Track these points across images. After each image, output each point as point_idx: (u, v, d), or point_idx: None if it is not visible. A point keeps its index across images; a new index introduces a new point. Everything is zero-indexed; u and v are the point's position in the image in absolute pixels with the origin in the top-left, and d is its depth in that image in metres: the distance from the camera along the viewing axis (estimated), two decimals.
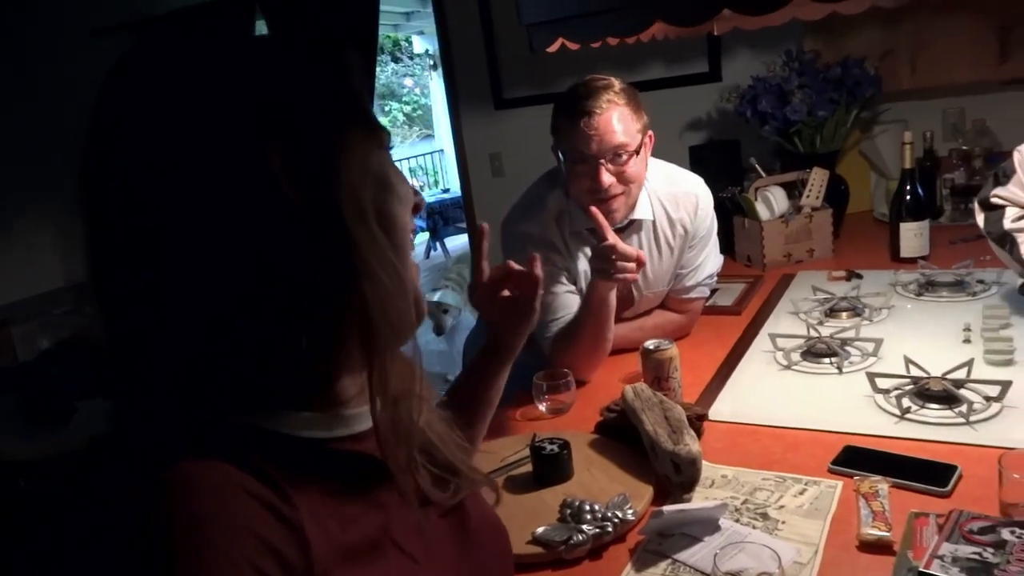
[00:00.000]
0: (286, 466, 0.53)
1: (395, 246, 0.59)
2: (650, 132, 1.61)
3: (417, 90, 13.28)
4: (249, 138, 0.52)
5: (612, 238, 1.47)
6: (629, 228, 1.67)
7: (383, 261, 0.56)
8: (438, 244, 7.91)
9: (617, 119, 1.51)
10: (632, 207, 1.62)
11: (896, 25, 2.51)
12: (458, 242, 7.70)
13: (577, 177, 1.56)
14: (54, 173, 4.29)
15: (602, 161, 1.52)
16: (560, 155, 1.59)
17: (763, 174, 2.31)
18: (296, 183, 0.53)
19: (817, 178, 2.22)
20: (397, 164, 0.63)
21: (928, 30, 2.49)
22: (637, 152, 1.54)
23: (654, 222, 1.68)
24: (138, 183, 0.53)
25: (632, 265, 1.47)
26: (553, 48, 1.53)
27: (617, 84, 1.56)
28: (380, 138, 0.60)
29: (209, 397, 0.54)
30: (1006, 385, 1.28)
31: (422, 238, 7.93)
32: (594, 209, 1.50)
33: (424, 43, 10.68)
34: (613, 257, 1.46)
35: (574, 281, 1.68)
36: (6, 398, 2.41)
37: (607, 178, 1.52)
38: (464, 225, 3.95)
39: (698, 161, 2.56)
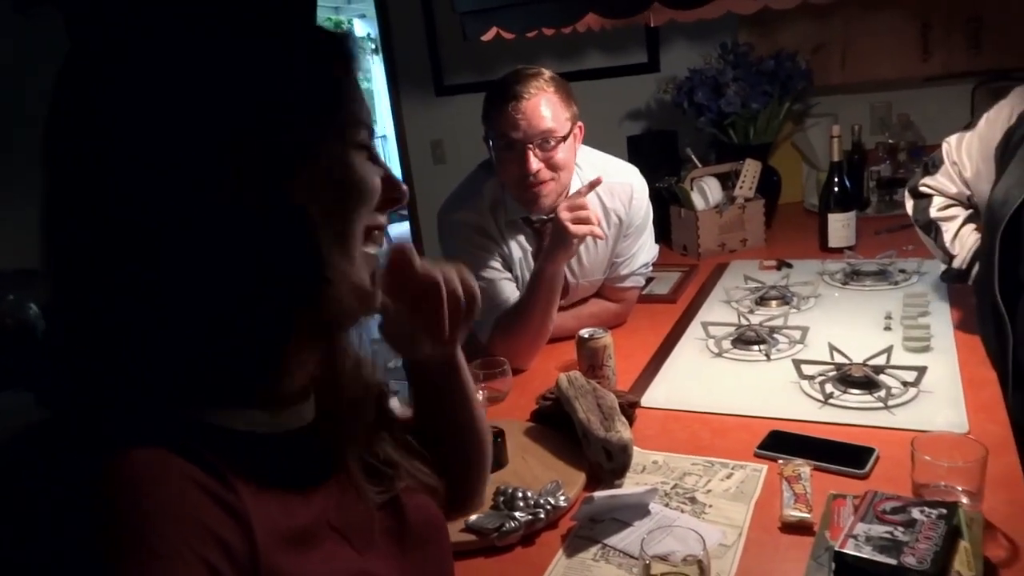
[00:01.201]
0: (229, 457, 0.53)
1: (343, 243, 0.58)
2: (580, 123, 1.62)
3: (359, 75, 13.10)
4: (217, 129, 0.52)
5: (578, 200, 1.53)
6: None
7: (332, 257, 0.56)
8: None
9: (545, 104, 1.53)
10: (562, 195, 1.64)
11: (827, 20, 2.58)
12: (400, 229, 7.61)
13: (506, 164, 1.57)
14: None
15: (530, 146, 1.53)
16: (490, 143, 1.59)
17: (699, 164, 2.35)
18: (258, 178, 0.53)
19: (750, 169, 2.27)
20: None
21: (856, 26, 2.56)
22: (565, 139, 1.56)
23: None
24: (100, 167, 0.52)
25: (594, 215, 1.51)
26: (487, 37, 1.53)
27: (547, 73, 1.57)
28: (353, 136, 0.59)
29: (156, 388, 0.53)
30: (922, 371, 1.34)
31: None
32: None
33: (366, 26, 10.50)
34: (583, 206, 1.50)
35: (509, 269, 1.68)
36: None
37: (535, 163, 1.53)
38: (406, 213, 3.92)
39: (636, 151, 2.60)
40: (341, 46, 0.60)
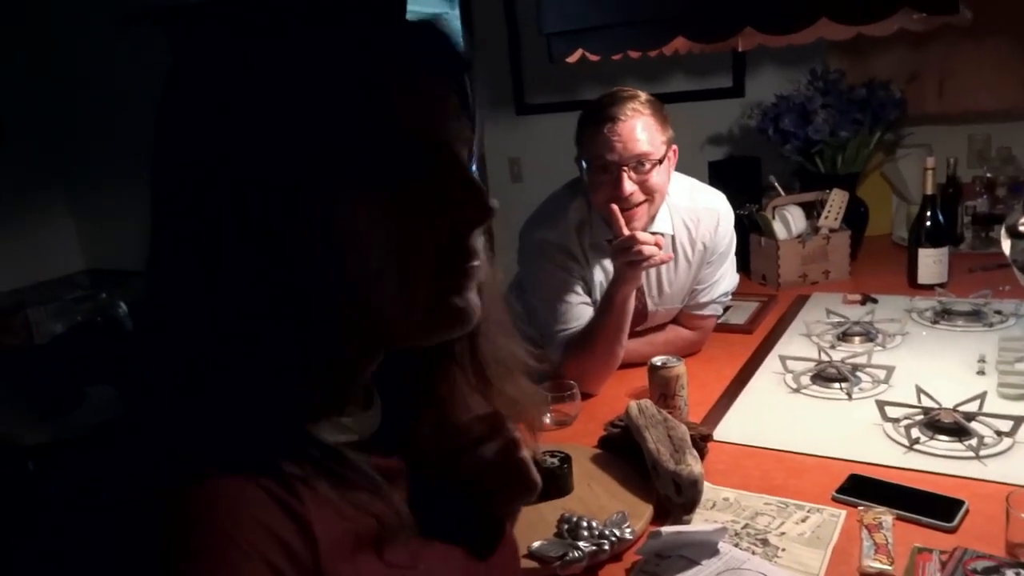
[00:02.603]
0: (295, 463, 0.53)
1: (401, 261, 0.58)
2: (674, 147, 1.60)
3: None
4: (312, 142, 0.53)
5: (627, 231, 1.49)
6: None
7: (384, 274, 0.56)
8: None
9: (642, 128, 1.51)
10: (653, 219, 1.62)
11: (924, 48, 2.48)
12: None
13: (599, 186, 1.56)
14: (73, 160, 4.37)
15: (624, 168, 1.52)
16: (583, 164, 1.59)
17: (782, 192, 2.29)
18: (340, 195, 0.53)
19: (836, 199, 2.20)
20: None
21: (956, 55, 2.46)
22: (660, 162, 1.54)
23: (674, 237, 1.68)
24: (206, 179, 0.53)
25: (654, 248, 1.48)
26: (573, 59, 1.53)
27: (643, 96, 1.56)
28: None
29: (231, 395, 0.54)
30: (1019, 420, 1.26)
31: None
32: (613, 206, 1.51)
33: None
34: (634, 246, 1.47)
35: (589, 292, 1.67)
36: (17, 382, 2.43)
37: (629, 186, 1.52)
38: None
39: (718, 176, 2.54)
40: (447, 58, 0.59)
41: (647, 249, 1.47)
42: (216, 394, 0.54)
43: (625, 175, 1.52)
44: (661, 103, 1.58)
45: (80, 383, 2.36)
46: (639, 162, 1.52)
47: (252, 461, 0.51)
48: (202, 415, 0.53)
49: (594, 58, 1.55)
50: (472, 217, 0.58)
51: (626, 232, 1.49)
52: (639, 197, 1.54)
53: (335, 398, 0.59)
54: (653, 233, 1.64)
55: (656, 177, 1.54)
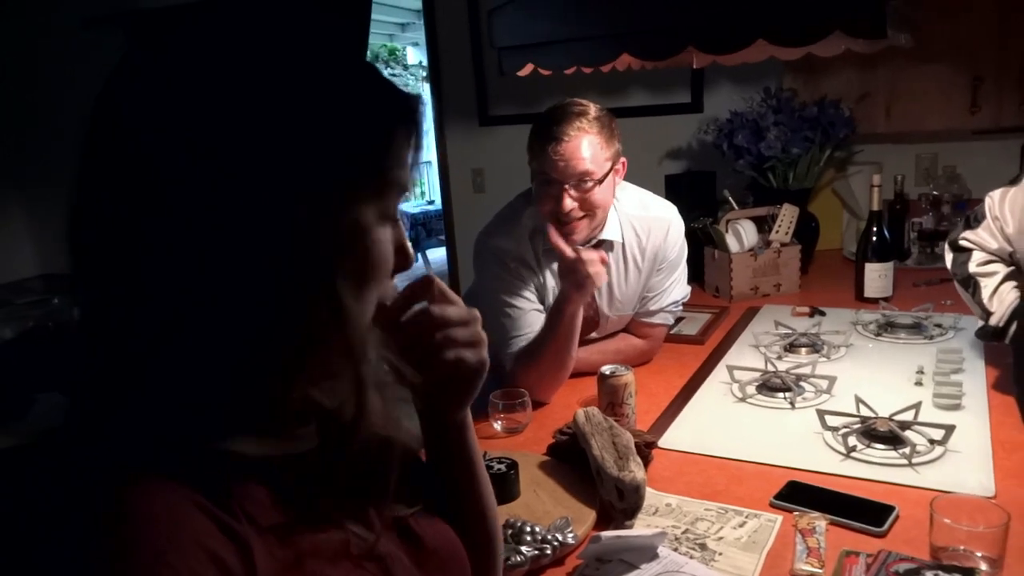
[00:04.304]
0: (231, 481, 0.53)
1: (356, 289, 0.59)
2: (623, 159, 1.63)
3: None
4: (262, 167, 0.53)
5: (571, 251, 1.50)
6: (599, 247, 1.68)
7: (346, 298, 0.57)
8: (419, 255, 7.91)
9: (586, 146, 1.53)
10: (595, 229, 1.64)
11: (872, 70, 2.56)
12: (439, 254, 7.70)
13: (542, 199, 1.59)
14: (28, 162, 4.28)
15: (566, 187, 1.54)
16: (532, 174, 1.61)
17: (736, 207, 2.34)
18: (310, 220, 0.54)
19: (787, 214, 2.26)
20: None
21: (904, 77, 2.54)
22: (602, 181, 1.56)
23: (623, 244, 1.71)
24: (132, 181, 0.53)
25: (600, 267, 1.49)
26: (524, 72, 1.55)
27: (592, 111, 1.57)
28: (387, 202, 0.60)
29: (165, 409, 0.53)
30: (950, 429, 1.30)
31: None
32: (551, 230, 1.53)
33: (418, 54, 10.72)
34: (580, 267, 1.48)
35: (542, 300, 1.69)
36: None
37: (568, 203, 1.55)
38: (443, 239, 3.96)
39: (673, 190, 2.59)
40: (407, 108, 0.60)
41: (592, 269, 1.48)
42: (144, 405, 0.54)
43: (566, 193, 1.54)
44: (611, 117, 1.60)
45: (30, 389, 2.32)
46: (580, 180, 1.54)
47: (184, 477, 0.51)
48: (130, 428, 0.53)
49: (545, 72, 1.58)
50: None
51: (567, 250, 1.50)
52: (579, 213, 1.57)
53: (264, 413, 0.58)
54: (602, 241, 1.67)
55: (598, 194, 1.57)
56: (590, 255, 1.49)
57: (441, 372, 0.71)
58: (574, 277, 1.50)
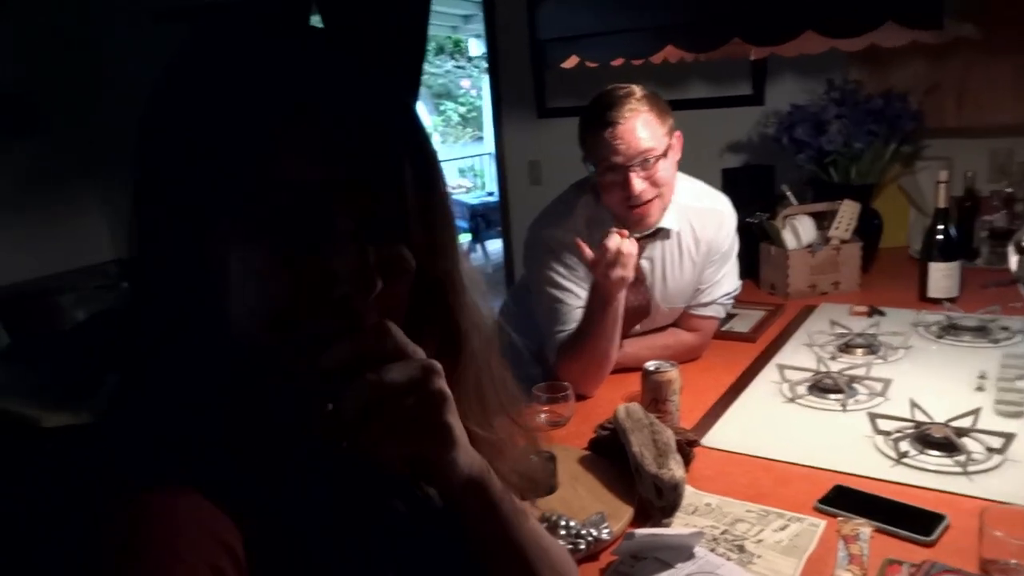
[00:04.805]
0: (233, 471, 0.54)
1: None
2: (677, 132, 1.61)
3: (473, 91, 13.37)
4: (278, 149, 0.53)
5: (589, 252, 1.47)
6: (656, 235, 1.67)
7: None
8: (479, 246, 7.95)
9: (642, 125, 1.52)
10: (665, 211, 1.63)
11: (943, 61, 2.46)
12: (497, 245, 7.73)
13: (609, 187, 1.58)
14: (107, 151, 4.47)
15: (631, 168, 1.53)
16: (591, 167, 1.60)
17: (795, 202, 2.28)
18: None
19: (847, 210, 2.19)
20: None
21: (976, 68, 2.43)
22: (665, 155, 1.55)
23: (679, 234, 1.69)
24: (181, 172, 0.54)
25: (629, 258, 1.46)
26: (568, 64, 1.55)
27: (639, 91, 1.56)
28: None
29: (175, 410, 0.54)
30: (1010, 437, 1.25)
31: (464, 239, 7.97)
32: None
33: (481, 46, 10.77)
34: (603, 258, 1.45)
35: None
36: (38, 366, 2.49)
37: (638, 184, 1.54)
38: (501, 229, 3.98)
39: (731, 184, 2.55)
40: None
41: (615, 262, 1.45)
42: (144, 404, 0.55)
43: (633, 175, 1.53)
44: (657, 95, 1.58)
45: (98, 370, 2.42)
46: (644, 159, 1.53)
47: (189, 475, 0.51)
48: (131, 426, 0.54)
49: (591, 65, 1.57)
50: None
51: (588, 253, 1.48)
52: (650, 193, 1.56)
53: (266, 411, 0.57)
54: (661, 228, 1.66)
55: (663, 170, 1.56)
56: (614, 243, 1.46)
57: (393, 450, 0.55)
58: (599, 270, 1.48)
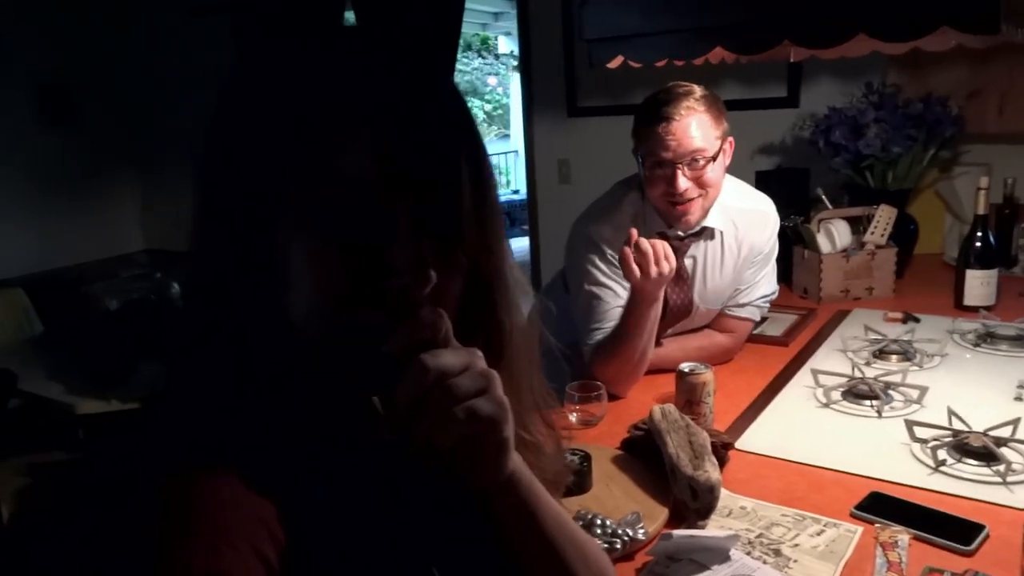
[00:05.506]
0: (278, 456, 0.55)
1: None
2: (730, 139, 1.61)
3: (500, 89, 13.37)
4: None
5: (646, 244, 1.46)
6: (701, 235, 1.67)
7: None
8: None
9: (696, 126, 1.53)
10: (707, 212, 1.63)
11: (985, 65, 2.42)
12: (523, 244, 7.72)
13: (654, 181, 1.58)
14: (142, 143, 4.54)
15: (679, 166, 1.53)
16: (639, 159, 1.61)
17: (829, 206, 2.26)
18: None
19: (883, 216, 2.17)
20: None
21: (1020, 73, 2.39)
22: (714, 159, 1.56)
23: (722, 233, 1.68)
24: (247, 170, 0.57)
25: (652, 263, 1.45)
26: (613, 64, 1.54)
27: (698, 91, 1.57)
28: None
29: (227, 394, 0.56)
30: None
31: None
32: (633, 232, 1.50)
33: (510, 44, 10.76)
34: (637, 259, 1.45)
35: None
36: (73, 354, 2.54)
37: (683, 183, 1.54)
38: (528, 228, 3.98)
39: (764, 186, 2.49)
40: None
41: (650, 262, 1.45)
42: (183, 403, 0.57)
43: (680, 172, 1.54)
44: (717, 97, 1.59)
45: (132, 357, 2.45)
46: (693, 159, 1.54)
47: (239, 454, 0.53)
48: (203, 407, 0.56)
49: (636, 65, 1.57)
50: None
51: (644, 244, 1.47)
52: (693, 192, 1.56)
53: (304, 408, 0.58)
54: (705, 228, 1.66)
55: (711, 172, 1.56)
56: (646, 246, 1.45)
57: (451, 434, 0.54)
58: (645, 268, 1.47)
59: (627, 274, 1.48)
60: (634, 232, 1.46)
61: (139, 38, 4.29)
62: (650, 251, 1.44)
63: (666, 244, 1.47)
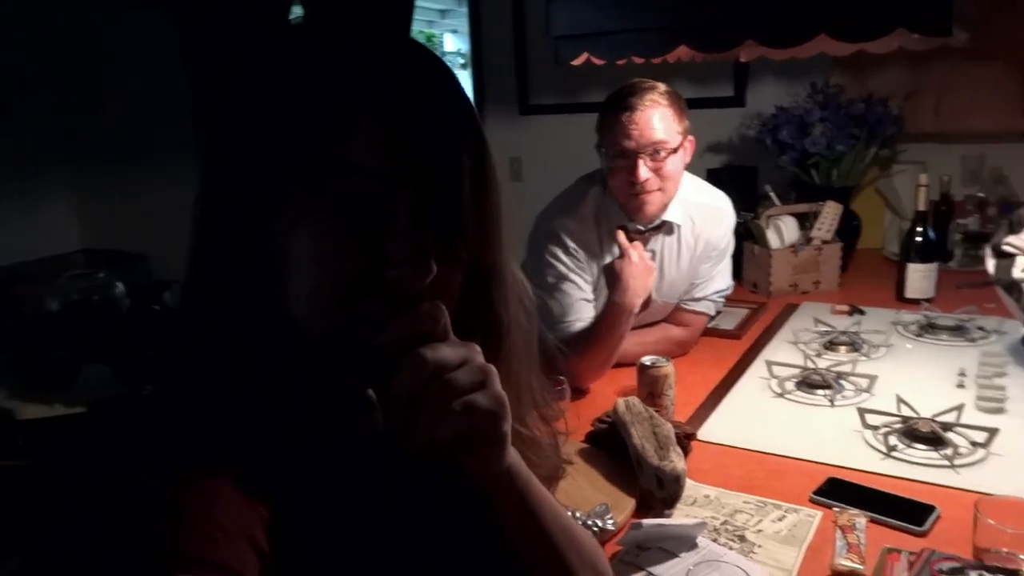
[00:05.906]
0: (267, 448, 0.55)
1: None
2: (691, 137, 1.65)
3: None
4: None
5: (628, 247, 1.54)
6: (661, 228, 1.70)
7: None
8: None
9: (659, 118, 1.56)
10: (666, 206, 1.66)
11: (923, 67, 2.52)
12: None
13: (616, 171, 1.61)
14: (76, 139, 4.38)
15: (641, 156, 1.56)
16: (602, 151, 1.63)
17: (777, 203, 2.32)
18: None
19: (830, 212, 2.24)
20: None
21: (954, 75, 2.50)
22: (675, 151, 1.59)
23: (680, 228, 1.72)
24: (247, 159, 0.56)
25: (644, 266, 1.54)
26: (578, 61, 1.57)
27: (662, 87, 1.61)
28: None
29: (220, 389, 0.56)
30: (993, 432, 1.30)
31: None
32: (619, 234, 1.57)
33: (457, 42, 10.74)
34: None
35: (597, 282, 1.71)
36: (11, 357, 2.44)
37: (644, 172, 1.57)
38: None
39: (716, 184, 2.56)
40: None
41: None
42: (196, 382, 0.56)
43: (641, 162, 1.56)
44: (679, 95, 1.63)
45: (76, 360, 2.37)
46: (655, 150, 1.57)
47: (236, 447, 0.53)
48: (183, 403, 0.56)
49: (599, 62, 1.59)
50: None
51: (626, 247, 1.56)
52: (654, 184, 1.59)
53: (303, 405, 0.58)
54: (666, 222, 1.69)
55: (671, 165, 1.59)
56: (630, 251, 1.51)
57: (448, 427, 0.53)
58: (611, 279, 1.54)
59: (610, 287, 1.52)
60: (620, 234, 1.51)
61: (73, 32, 4.14)
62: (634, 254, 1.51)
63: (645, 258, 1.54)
